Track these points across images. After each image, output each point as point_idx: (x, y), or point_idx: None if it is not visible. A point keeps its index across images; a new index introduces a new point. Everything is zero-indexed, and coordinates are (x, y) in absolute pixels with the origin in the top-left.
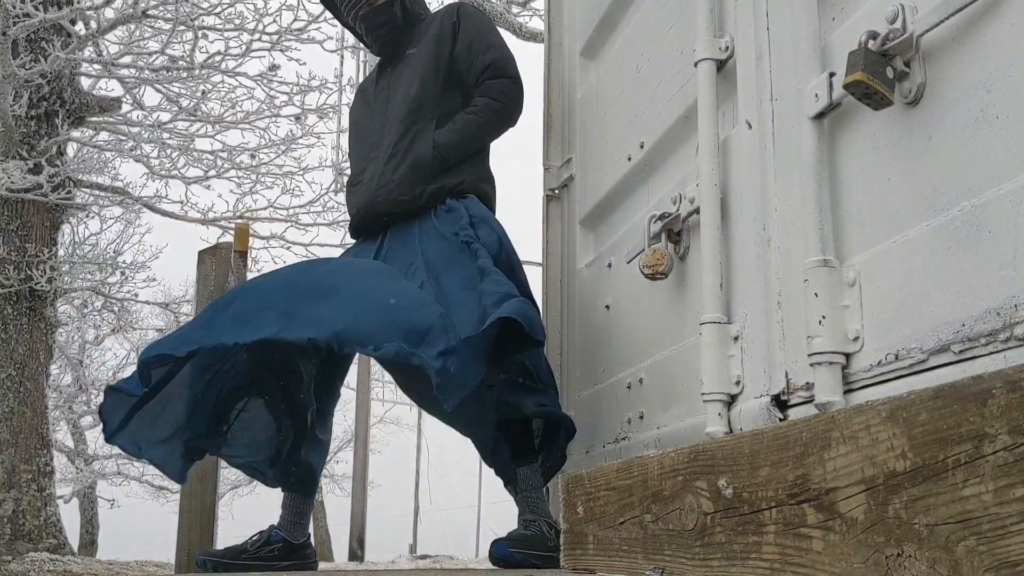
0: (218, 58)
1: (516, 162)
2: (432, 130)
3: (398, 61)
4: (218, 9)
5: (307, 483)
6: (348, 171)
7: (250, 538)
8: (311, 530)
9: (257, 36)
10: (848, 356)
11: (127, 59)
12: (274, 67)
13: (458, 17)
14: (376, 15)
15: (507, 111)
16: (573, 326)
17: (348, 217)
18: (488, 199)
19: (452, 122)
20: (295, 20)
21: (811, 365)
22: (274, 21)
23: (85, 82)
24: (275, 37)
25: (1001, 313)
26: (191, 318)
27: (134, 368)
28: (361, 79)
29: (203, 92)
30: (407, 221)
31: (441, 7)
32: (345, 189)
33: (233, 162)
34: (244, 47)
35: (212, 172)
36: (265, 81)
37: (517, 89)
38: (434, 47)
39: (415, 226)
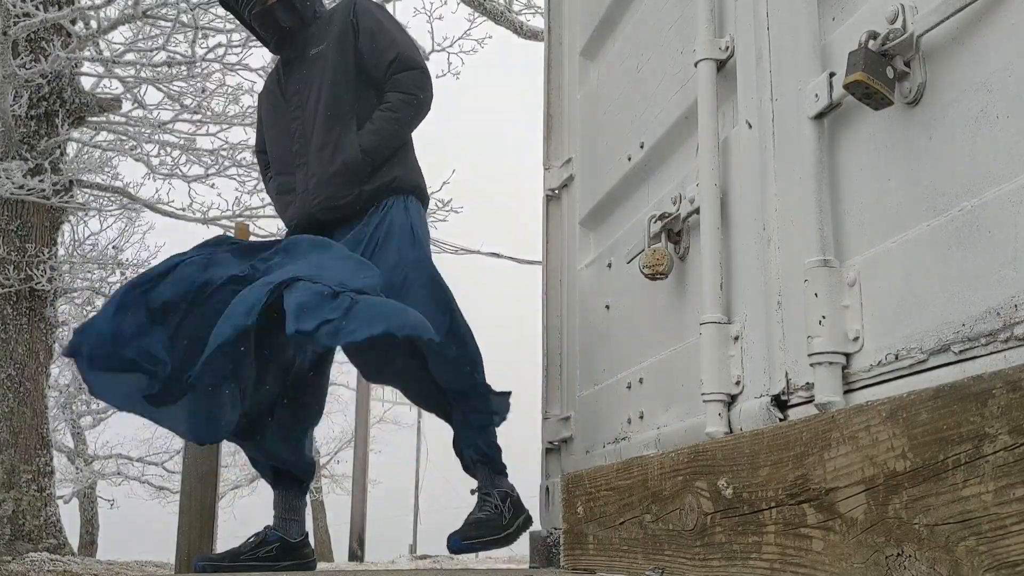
0: (219, 51)
1: (516, 161)
2: (354, 131)
3: (302, 62)
4: (219, 9)
5: (300, 481)
6: None
7: (247, 540)
8: (310, 530)
9: None
10: (848, 356)
11: (128, 57)
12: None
13: (355, 14)
14: (270, 13)
15: (420, 102)
16: (573, 326)
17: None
18: (423, 194)
19: (371, 122)
20: None
21: (811, 365)
22: None
23: (85, 82)
24: None
25: (1001, 313)
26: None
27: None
28: None
29: (204, 89)
30: (346, 223)
31: (336, 2)
32: (274, 196)
33: (234, 159)
34: (245, 39)
35: (213, 170)
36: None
37: (425, 78)
38: (338, 47)
39: (353, 227)
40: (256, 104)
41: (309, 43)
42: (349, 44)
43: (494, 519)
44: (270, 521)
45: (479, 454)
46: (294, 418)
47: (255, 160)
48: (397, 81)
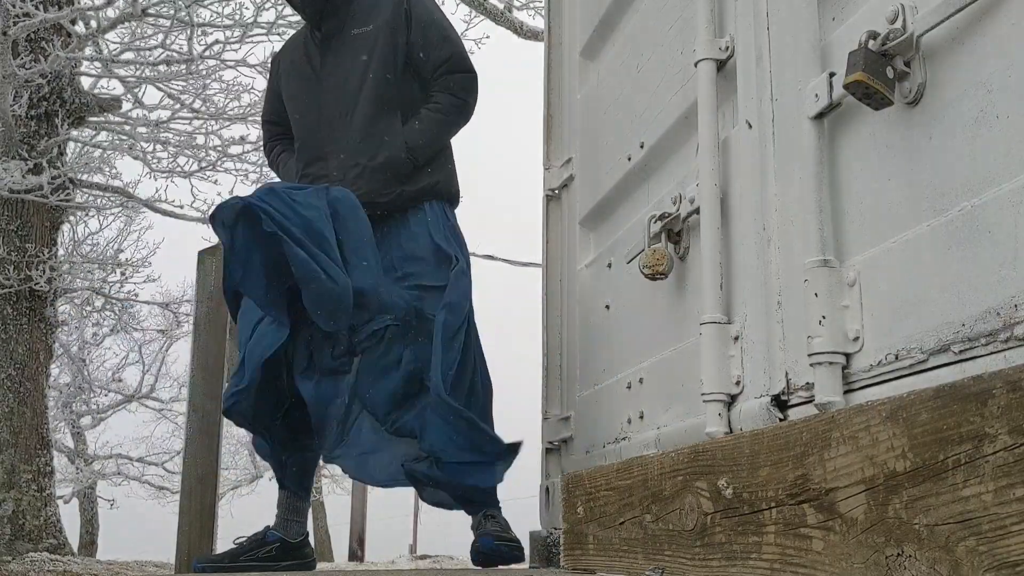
0: (217, 48)
1: (514, 161)
2: (398, 125)
3: (342, 40)
4: (215, 5)
5: (303, 480)
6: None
7: (246, 540)
8: (310, 530)
9: (253, 21)
10: (848, 356)
11: (127, 55)
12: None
13: (408, 2)
14: None
15: (468, 107)
16: (573, 326)
17: None
18: (457, 199)
19: (418, 120)
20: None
21: (811, 365)
22: (272, 8)
23: (85, 82)
24: (272, 25)
25: (1001, 313)
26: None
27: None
28: None
29: (204, 86)
30: (382, 221)
31: None
32: (296, 177)
33: (226, 153)
34: (242, 32)
35: (206, 164)
36: (264, 72)
37: (475, 83)
38: (388, 33)
39: (392, 226)
40: (272, 71)
41: (351, 21)
42: (400, 33)
43: (507, 530)
44: (271, 520)
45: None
46: None
47: (246, 152)
48: (449, 82)
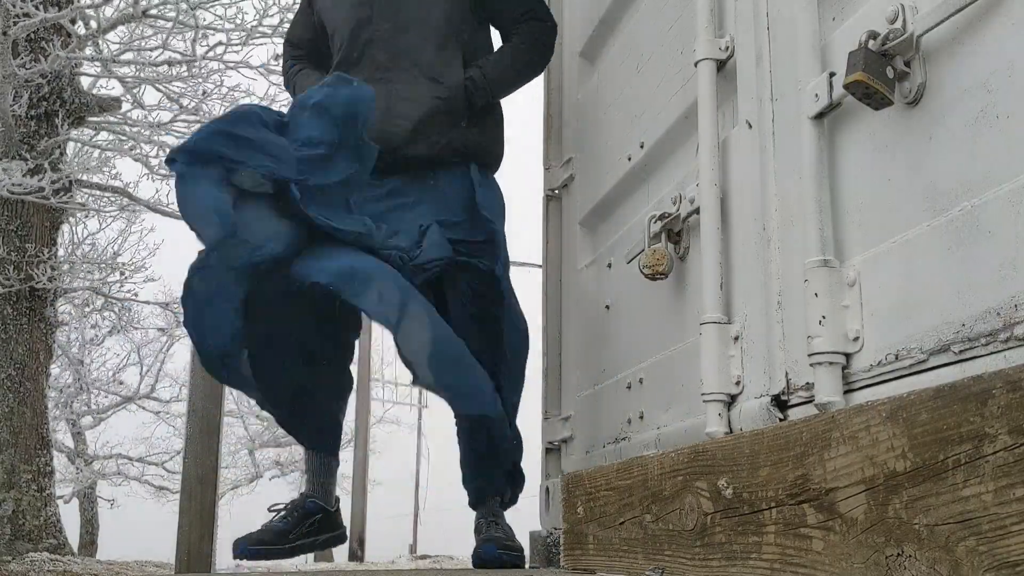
0: (220, 49)
1: (514, 161)
2: (459, 64)
3: None
4: (218, 9)
5: (334, 439)
6: None
7: (281, 512)
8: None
9: (256, 23)
10: (848, 356)
11: (127, 55)
12: (278, 56)
13: None
14: None
15: (545, 58)
16: (573, 326)
17: None
18: (498, 165)
19: (499, 53)
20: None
21: (811, 365)
22: (276, 14)
23: (85, 82)
24: (276, 28)
25: (1001, 313)
26: None
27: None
28: None
29: (204, 92)
30: (421, 170)
31: None
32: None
33: None
34: (245, 36)
35: None
36: (267, 72)
37: (555, 37)
38: None
39: (432, 183)
40: None
41: None
42: None
43: (511, 538)
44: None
45: (493, 487)
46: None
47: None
48: (532, 27)
